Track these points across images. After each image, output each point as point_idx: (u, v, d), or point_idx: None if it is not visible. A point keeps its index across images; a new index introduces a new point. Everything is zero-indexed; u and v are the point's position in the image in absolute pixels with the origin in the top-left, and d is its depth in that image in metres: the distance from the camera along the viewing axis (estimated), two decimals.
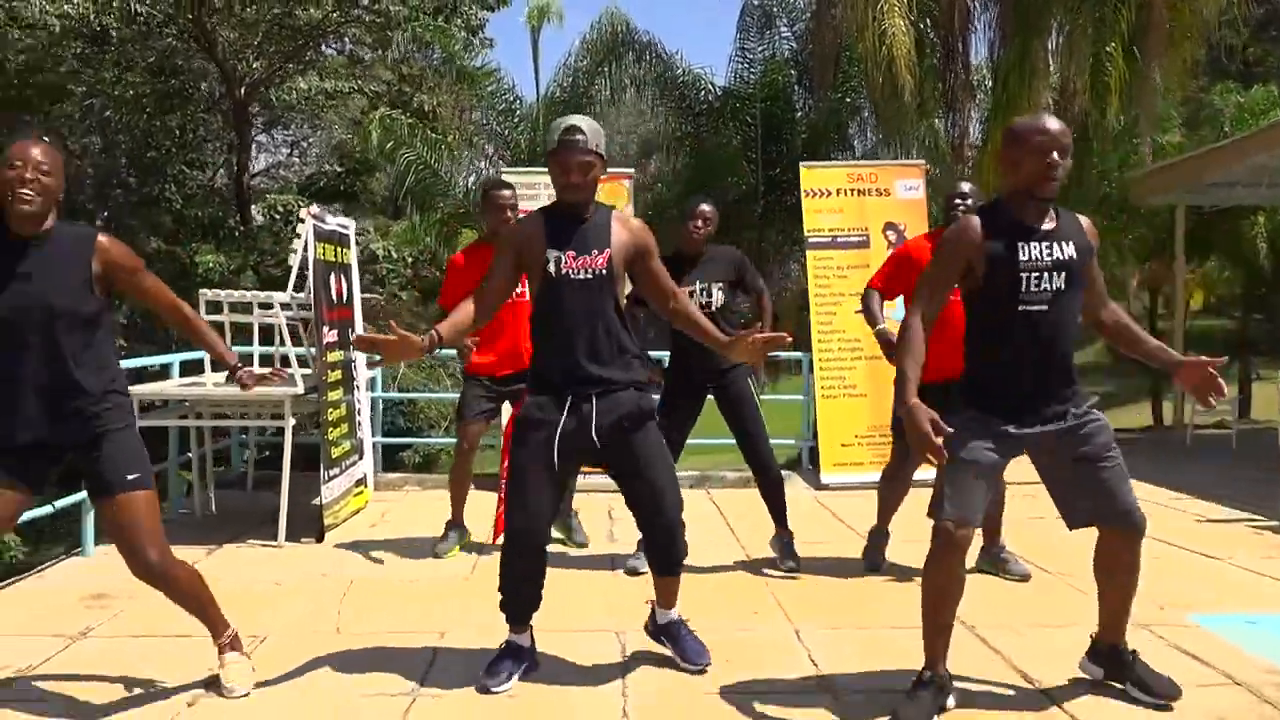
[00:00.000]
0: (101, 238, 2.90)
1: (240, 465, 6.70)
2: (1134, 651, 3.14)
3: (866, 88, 10.75)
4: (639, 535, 4.54)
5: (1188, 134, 14.46)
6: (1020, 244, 2.83)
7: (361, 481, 5.93)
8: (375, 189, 18.02)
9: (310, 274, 5.03)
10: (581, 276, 3.09)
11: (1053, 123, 2.87)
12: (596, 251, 3.10)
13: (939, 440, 2.68)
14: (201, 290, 5.16)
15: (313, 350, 5.24)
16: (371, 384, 6.73)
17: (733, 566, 4.75)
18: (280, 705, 3.05)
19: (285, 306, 5.17)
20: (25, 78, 15.11)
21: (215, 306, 5.24)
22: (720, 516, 5.91)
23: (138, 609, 3.97)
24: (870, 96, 10.74)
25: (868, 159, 12.29)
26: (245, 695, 3.09)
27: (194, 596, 3.16)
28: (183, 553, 4.76)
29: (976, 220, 2.90)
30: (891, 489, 4.63)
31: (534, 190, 6.57)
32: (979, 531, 3.61)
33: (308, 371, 5.30)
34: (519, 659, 3.27)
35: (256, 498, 6.07)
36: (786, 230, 13.11)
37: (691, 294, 4.37)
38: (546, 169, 3.19)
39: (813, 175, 7.09)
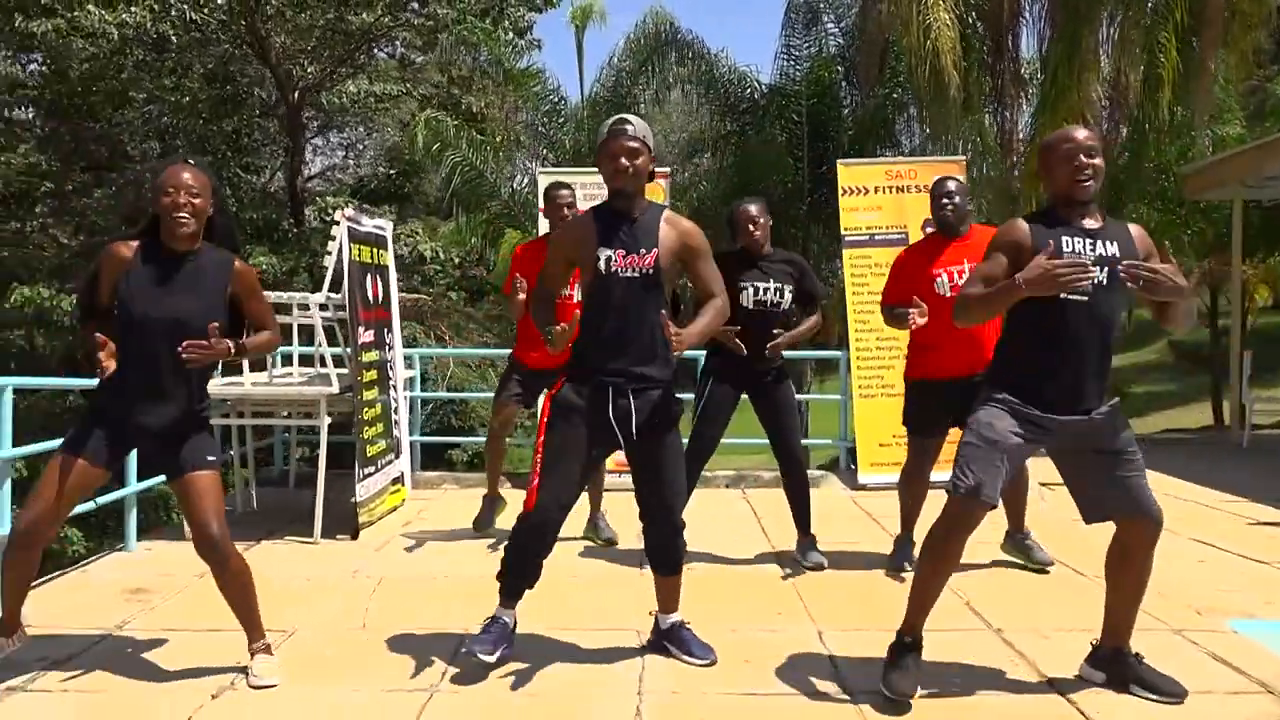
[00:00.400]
0: (238, 263, 3.28)
1: (283, 463, 6.83)
2: (1138, 654, 3.14)
3: (911, 84, 10.61)
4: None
5: (1249, 126, 14.04)
6: (1064, 237, 2.96)
7: (398, 480, 6.01)
8: (427, 190, 18.26)
9: (345, 275, 5.10)
10: (629, 275, 3.19)
11: (1079, 131, 3.04)
12: (645, 251, 3.21)
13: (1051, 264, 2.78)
14: None
15: (349, 350, 5.32)
16: (410, 384, 6.82)
17: (761, 566, 4.73)
18: (301, 699, 3.11)
19: (322, 307, 5.26)
20: (89, 85, 15.58)
21: None
22: (754, 516, 5.89)
23: (173, 604, 4.09)
24: (915, 92, 10.61)
25: (915, 155, 12.16)
26: (272, 685, 3.17)
27: (241, 588, 3.29)
28: None
29: (1023, 220, 3.08)
30: (911, 492, 4.60)
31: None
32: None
33: (344, 371, 5.38)
34: (505, 636, 3.33)
35: (298, 495, 6.19)
36: (832, 228, 12.96)
37: (765, 291, 4.49)
38: (595, 167, 3.35)
39: (850, 172, 7.03)
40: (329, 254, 5.03)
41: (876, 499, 6.23)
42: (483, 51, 14.01)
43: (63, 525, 3.36)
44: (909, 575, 4.46)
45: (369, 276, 5.54)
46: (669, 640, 3.48)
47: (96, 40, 13.59)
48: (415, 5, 15.17)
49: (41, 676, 3.29)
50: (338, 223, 5.11)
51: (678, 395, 3.39)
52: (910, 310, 4.13)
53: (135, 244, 3.19)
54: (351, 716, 2.99)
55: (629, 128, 3.22)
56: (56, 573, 4.60)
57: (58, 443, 4.33)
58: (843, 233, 6.96)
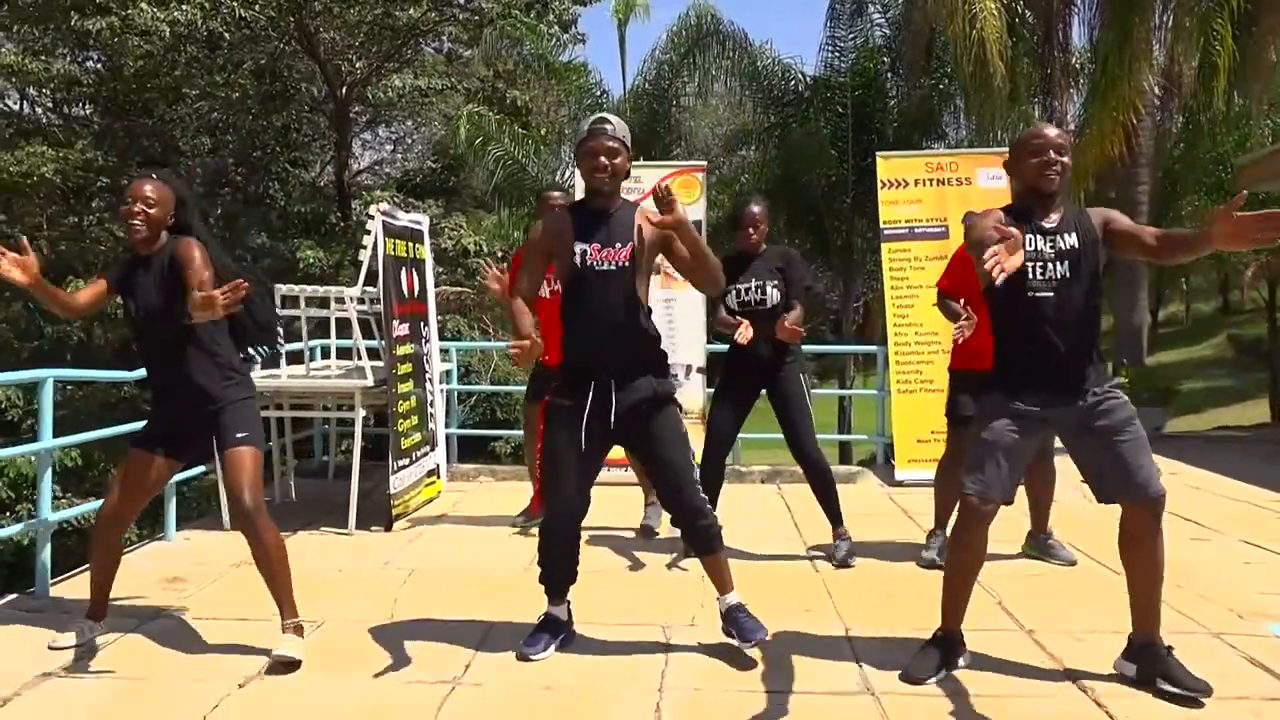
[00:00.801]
0: (179, 245, 3.40)
1: (322, 455, 6.91)
2: (1169, 647, 3.12)
3: (956, 75, 10.44)
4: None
5: None
6: (1028, 236, 3.07)
7: (434, 472, 6.06)
8: (473, 184, 18.37)
9: (380, 269, 5.15)
10: (605, 268, 3.27)
11: (1049, 129, 3.18)
12: (620, 244, 3.28)
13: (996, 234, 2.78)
14: (276, 285, 5.35)
15: (384, 343, 5.37)
16: (447, 376, 6.86)
17: (791, 562, 4.70)
18: (324, 689, 3.14)
19: (359, 301, 5.31)
20: (144, 82, 15.91)
21: (292, 301, 5.42)
22: (787, 511, 5.85)
23: (208, 593, 4.17)
24: (961, 84, 10.43)
25: (962, 148, 11.97)
26: (293, 659, 3.27)
27: (276, 564, 3.43)
28: None
29: (999, 210, 3.18)
30: (949, 486, 4.52)
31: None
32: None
33: (379, 364, 5.43)
34: (556, 631, 3.48)
35: (336, 487, 6.25)
36: (877, 222, 12.85)
37: (747, 291, 4.58)
38: (576, 154, 3.42)
39: (889, 165, 6.93)
40: (363, 248, 5.08)
41: (913, 495, 6.15)
42: (526, 45, 14.04)
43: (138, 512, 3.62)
44: (940, 570, 4.52)
45: (404, 270, 5.58)
46: (726, 623, 3.49)
47: (150, 38, 13.85)
48: (461, 0, 15.29)
49: (75, 663, 3.37)
50: (373, 217, 5.15)
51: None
52: (960, 322, 4.12)
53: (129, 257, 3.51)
54: (373, 707, 3.01)
55: (608, 127, 3.29)
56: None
57: (103, 433, 4.57)
58: (882, 226, 6.87)
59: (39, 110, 18.50)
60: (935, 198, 6.79)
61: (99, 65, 15.75)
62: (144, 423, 3.64)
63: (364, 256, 5.08)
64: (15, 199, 15.65)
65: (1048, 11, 10.97)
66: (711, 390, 4.97)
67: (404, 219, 5.76)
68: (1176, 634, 3.58)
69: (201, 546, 4.96)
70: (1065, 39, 11.12)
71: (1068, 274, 3.07)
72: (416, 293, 5.84)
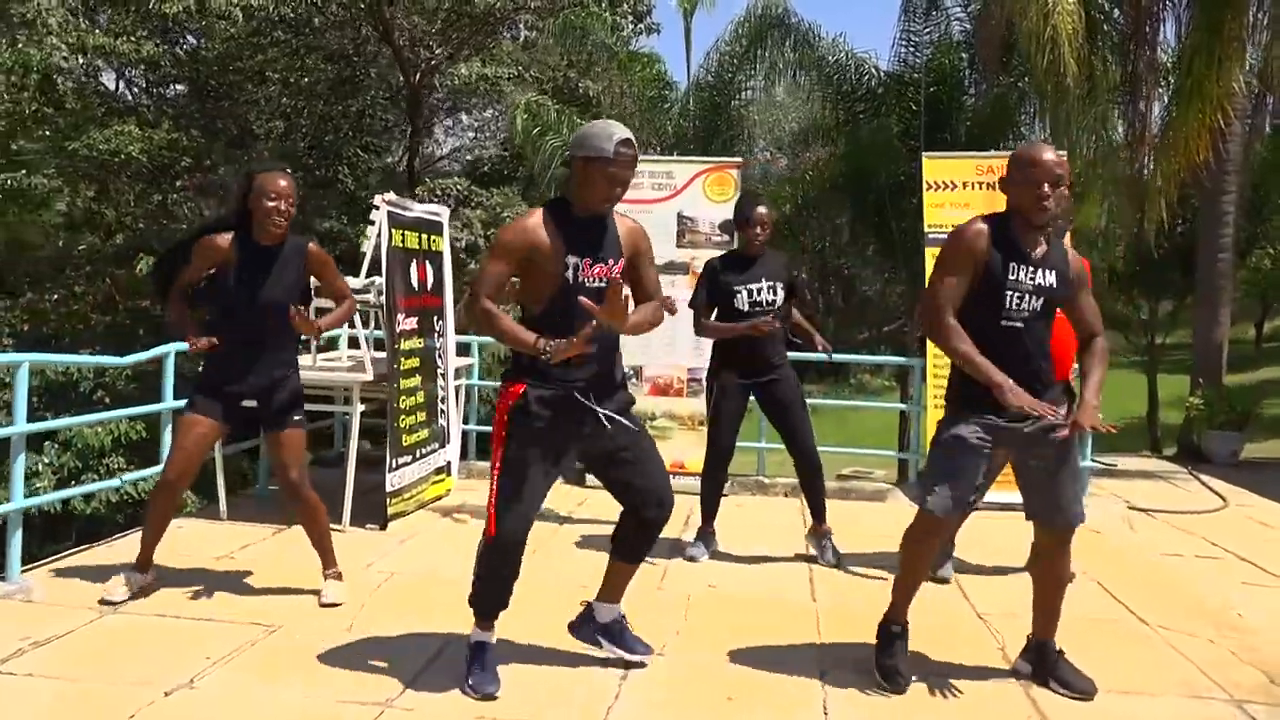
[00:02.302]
0: (311, 247, 3.91)
1: (340, 444, 6.83)
2: (1060, 650, 3.31)
3: (1030, 72, 9.90)
4: (698, 524, 4.89)
5: None
6: (1011, 264, 3.07)
7: (443, 470, 5.92)
8: (539, 174, 18.28)
9: (384, 261, 5.01)
10: (596, 285, 3.03)
11: (1048, 154, 3.07)
12: (612, 260, 3.08)
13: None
14: None
15: (387, 337, 5.24)
16: (469, 372, 6.72)
17: (787, 580, 4.44)
18: (252, 701, 3.01)
19: (363, 291, 5.19)
20: (226, 65, 16.23)
21: None
22: (801, 528, 5.53)
23: (172, 589, 4.04)
24: (1034, 82, 9.89)
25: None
26: (337, 604, 3.87)
27: (314, 523, 4.00)
28: (250, 530, 4.93)
29: (986, 230, 3.11)
30: None
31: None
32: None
33: (381, 357, 5.31)
34: (490, 660, 3.21)
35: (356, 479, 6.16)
36: None
37: (759, 291, 4.60)
38: (587, 166, 2.98)
39: (936, 166, 6.56)
40: (366, 239, 4.95)
41: None
42: (597, 33, 13.84)
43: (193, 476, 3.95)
44: (943, 583, 4.48)
45: (414, 263, 5.44)
46: (604, 635, 3.37)
47: (234, 23, 14.05)
48: None
49: (19, 657, 3.30)
50: (377, 207, 5.02)
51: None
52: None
53: (229, 236, 3.74)
54: None
55: (634, 153, 3.00)
56: (84, 546, 4.69)
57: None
58: (926, 229, 6.50)
59: (134, 90, 19.05)
60: (985, 202, 6.37)
61: (176, 49, 16.03)
62: (198, 395, 3.86)
63: (367, 248, 4.95)
64: (110, 178, 16.07)
65: (1137, 5, 10.34)
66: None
67: (418, 210, 5.62)
68: (1192, 698, 3.25)
69: (190, 536, 4.88)
70: (1154, 36, 10.47)
71: (1038, 309, 3.11)
72: (430, 286, 5.71)
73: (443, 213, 5.97)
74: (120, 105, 17.64)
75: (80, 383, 12.95)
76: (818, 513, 4.81)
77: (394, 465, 5.18)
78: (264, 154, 15.82)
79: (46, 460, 12.17)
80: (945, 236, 6.31)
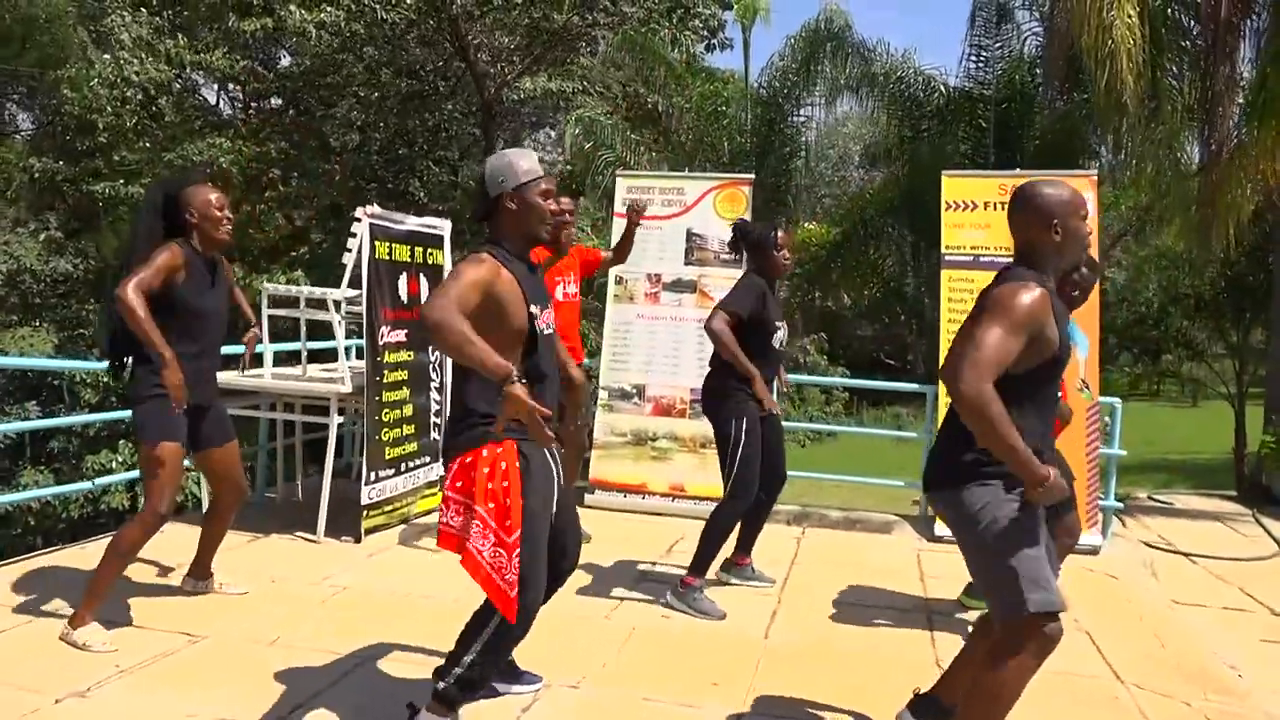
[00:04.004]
0: (221, 259, 3.89)
1: (349, 455, 6.86)
2: (955, 705, 2.89)
3: (1092, 90, 9.43)
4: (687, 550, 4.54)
5: None
6: (1064, 327, 2.63)
7: (435, 484, 5.88)
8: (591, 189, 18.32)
9: (365, 273, 5.01)
10: (549, 331, 2.90)
11: (1083, 197, 2.70)
12: (550, 305, 2.94)
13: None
14: (264, 284, 5.30)
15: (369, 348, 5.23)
16: None
17: (743, 620, 4.22)
18: (130, 713, 2.99)
19: (350, 303, 5.20)
20: (312, 80, 16.74)
21: (288, 301, 5.37)
22: (789, 562, 5.31)
23: (120, 595, 4.02)
24: (1095, 100, 9.41)
25: (1111, 171, 10.94)
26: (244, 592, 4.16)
27: (225, 527, 4.14)
28: (231, 538, 4.88)
29: (1044, 295, 2.53)
30: None
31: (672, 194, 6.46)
32: None
33: (360, 368, 5.31)
34: None
35: (352, 488, 6.17)
36: None
37: (784, 330, 4.35)
38: (523, 199, 2.78)
39: (955, 185, 6.27)
40: (349, 251, 4.95)
41: (944, 556, 5.47)
42: (661, 50, 13.78)
43: None
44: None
45: (404, 275, 5.43)
46: (499, 678, 3.22)
47: (307, 38, 14.44)
48: (608, 4, 15.24)
49: None
50: (359, 219, 5.02)
51: None
52: None
53: (178, 248, 3.64)
54: None
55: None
56: (54, 548, 4.78)
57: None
58: (943, 251, 6.21)
59: (233, 104, 19.81)
60: (1006, 224, 6.07)
61: (257, 65, 16.54)
62: (162, 415, 3.59)
63: (347, 260, 4.96)
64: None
65: (1216, 17, 9.77)
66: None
67: (412, 223, 5.61)
68: None
69: (162, 542, 4.92)
70: (1234, 51, 9.88)
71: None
72: (425, 299, 5.68)
73: (443, 226, 5.95)
74: (217, 119, 18.36)
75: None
76: (749, 544, 4.67)
77: (372, 478, 5.16)
78: (334, 170, 16.23)
79: (120, 458, 12.76)
80: (964, 259, 6.12)
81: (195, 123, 17.32)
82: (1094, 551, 5.65)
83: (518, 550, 2.65)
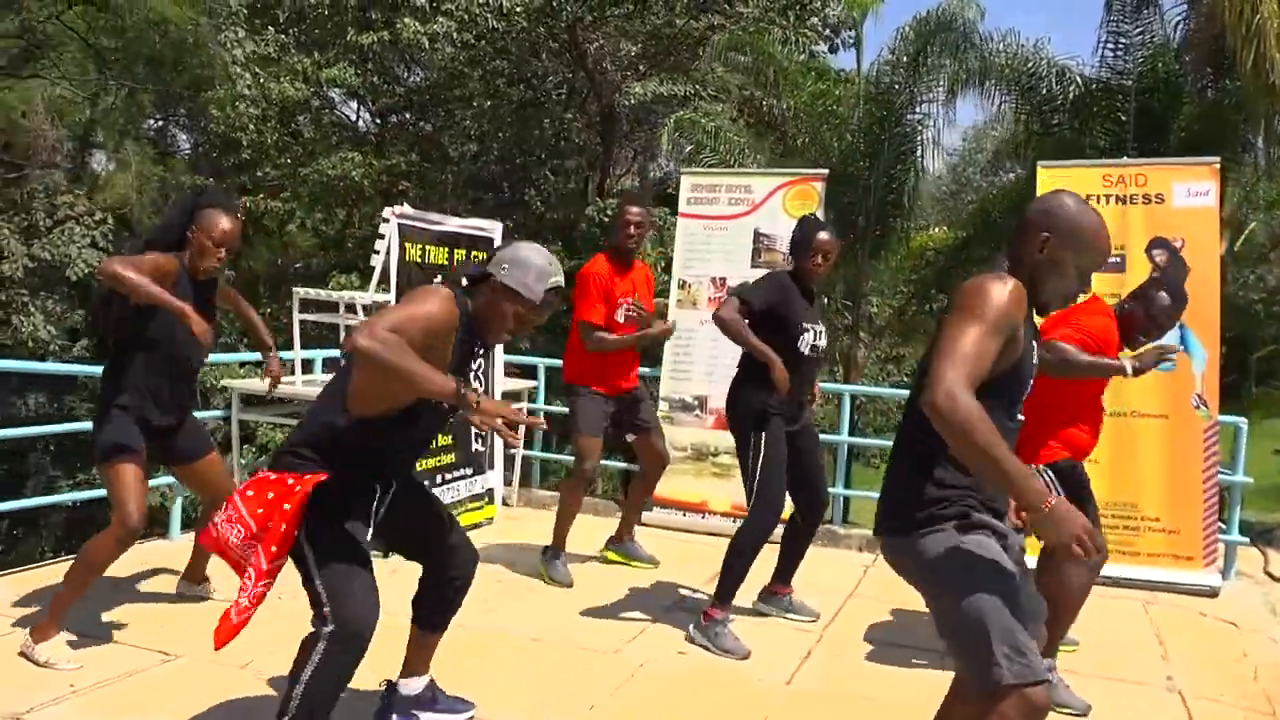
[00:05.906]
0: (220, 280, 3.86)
1: None
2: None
3: (1239, 75, 8.45)
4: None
5: None
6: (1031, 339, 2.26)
7: (482, 496, 5.65)
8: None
9: (394, 275, 4.81)
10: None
11: (1105, 234, 2.28)
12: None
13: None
14: (294, 288, 5.16)
15: None
16: (531, 395, 6.40)
17: (769, 658, 3.78)
18: None
19: (369, 308, 5.01)
20: (436, 93, 17.04)
21: (316, 306, 5.24)
22: (846, 592, 4.81)
23: (96, 610, 3.89)
24: (1241, 84, 8.43)
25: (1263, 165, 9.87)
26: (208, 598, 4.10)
27: None
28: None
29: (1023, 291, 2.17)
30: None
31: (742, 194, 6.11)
32: None
33: None
34: None
35: None
36: None
37: (819, 335, 4.02)
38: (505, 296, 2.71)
39: (1054, 175, 5.61)
40: (376, 253, 4.76)
41: None
42: (771, 50, 13.29)
43: None
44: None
45: (439, 279, 5.20)
46: (420, 707, 2.99)
47: (432, 50, 14.63)
48: (725, 5, 14.90)
49: None
50: (387, 220, 4.82)
51: None
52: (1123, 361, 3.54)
53: (174, 260, 3.56)
54: None
55: (558, 297, 2.75)
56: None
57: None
58: None
59: (366, 119, 20.41)
60: (1114, 218, 5.38)
61: (377, 77, 16.87)
62: (123, 428, 3.55)
63: (375, 262, 4.76)
64: (335, 200, 17.19)
65: None
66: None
67: (452, 224, 5.39)
68: None
69: (148, 553, 4.78)
70: None
71: None
72: None
73: (493, 228, 5.71)
74: (355, 134, 18.93)
75: None
76: (788, 574, 4.29)
77: None
78: (446, 181, 16.38)
79: (244, 461, 13.15)
80: None
81: (332, 138, 17.90)
82: (1213, 594, 4.94)
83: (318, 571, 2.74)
